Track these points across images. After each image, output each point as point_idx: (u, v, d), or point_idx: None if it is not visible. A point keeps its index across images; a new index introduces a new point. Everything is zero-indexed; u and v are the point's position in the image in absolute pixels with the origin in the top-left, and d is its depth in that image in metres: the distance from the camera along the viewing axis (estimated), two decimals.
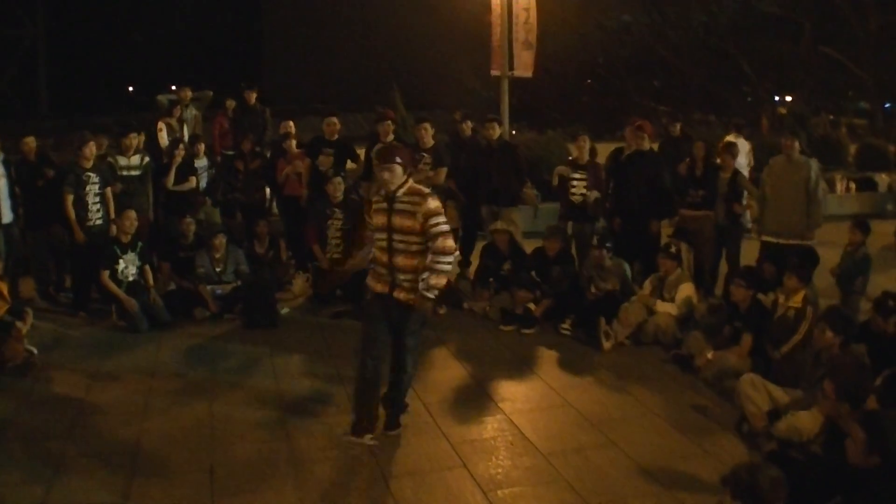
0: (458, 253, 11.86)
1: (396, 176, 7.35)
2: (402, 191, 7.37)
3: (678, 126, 15.84)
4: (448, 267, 7.32)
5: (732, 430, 7.94)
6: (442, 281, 7.33)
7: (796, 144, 11.40)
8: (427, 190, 7.50)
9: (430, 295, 7.30)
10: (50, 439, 8.00)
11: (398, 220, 7.34)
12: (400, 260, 7.39)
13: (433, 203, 7.33)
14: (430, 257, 7.24)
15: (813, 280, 9.84)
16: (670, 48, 35.66)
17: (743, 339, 9.18)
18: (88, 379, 9.56)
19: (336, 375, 9.24)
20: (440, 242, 7.22)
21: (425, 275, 7.22)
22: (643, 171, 11.91)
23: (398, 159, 7.38)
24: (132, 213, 11.61)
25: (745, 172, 14.49)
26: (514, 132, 17.42)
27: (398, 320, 7.56)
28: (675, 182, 12.27)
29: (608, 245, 11.29)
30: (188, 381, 9.46)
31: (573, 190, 12.42)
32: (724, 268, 12.15)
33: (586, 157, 12.60)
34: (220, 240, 11.95)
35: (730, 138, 15.80)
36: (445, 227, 7.31)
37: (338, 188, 12.26)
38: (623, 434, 7.91)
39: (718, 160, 12.33)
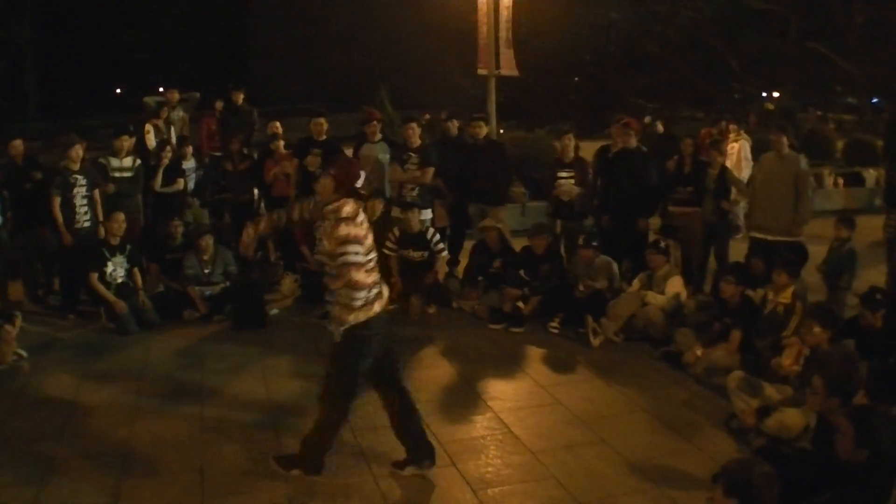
0: (446, 252, 11.93)
1: (324, 189, 6.87)
2: (328, 207, 6.80)
3: (660, 124, 15.87)
4: (358, 303, 6.64)
5: (722, 426, 7.96)
6: (345, 316, 6.67)
7: (784, 140, 11.39)
8: (345, 215, 6.71)
9: (332, 328, 6.80)
10: (40, 441, 8.00)
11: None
12: (325, 279, 6.92)
13: (343, 230, 6.63)
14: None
15: (802, 276, 9.87)
16: (658, 44, 35.69)
17: (732, 336, 9.21)
18: (78, 381, 9.56)
19: (321, 375, 9.23)
20: (347, 274, 6.60)
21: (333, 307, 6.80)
22: (631, 168, 11.93)
23: (332, 171, 6.89)
24: (121, 216, 11.61)
25: (748, 171, 14.46)
26: (501, 131, 17.42)
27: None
28: (660, 179, 12.26)
29: (595, 243, 11.32)
30: (178, 383, 9.46)
31: (560, 188, 12.39)
32: (712, 264, 12.17)
33: (571, 154, 12.60)
34: (208, 240, 11.93)
35: (733, 135, 15.84)
36: (354, 259, 6.61)
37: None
38: (613, 431, 7.92)
39: (706, 156, 12.34)
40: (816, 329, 7.84)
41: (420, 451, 7.14)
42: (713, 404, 8.45)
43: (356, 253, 6.61)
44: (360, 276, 6.63)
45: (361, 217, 6.82)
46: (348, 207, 6.73)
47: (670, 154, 12.68)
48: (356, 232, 6.66)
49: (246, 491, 6.98)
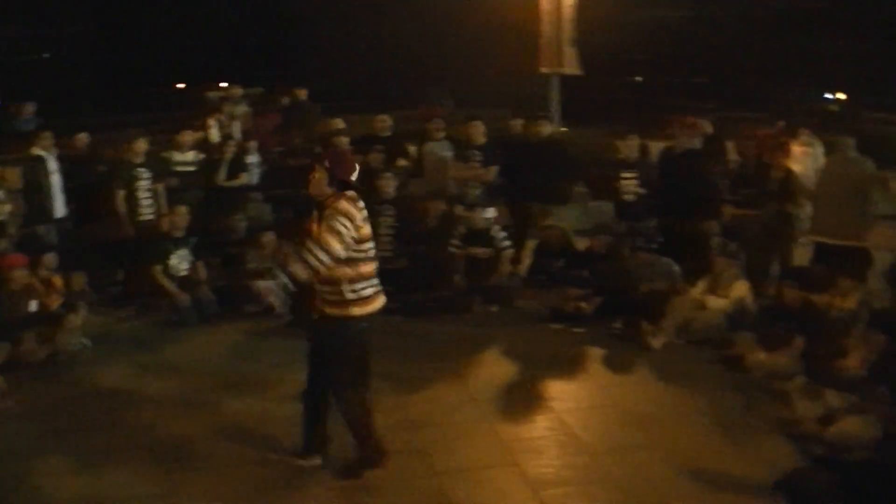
0: (511, 250, 11.90)
1: (318, 182, 6.77)
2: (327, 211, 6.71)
3: (710, 124, 15.72)
4: (313, 262, 6.54)
5: (782, 432, 7.82)
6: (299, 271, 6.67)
7: (850, 143, 11.23)
8: (342, 210, 6.68)
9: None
10: (97, 431, 8.15)
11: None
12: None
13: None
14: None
15: (867, 281, 9.75)
16: (714, 44, 35.41)
17: (794, 341, 9.08)
18: (138, 372, 9.71)
19: (383, 373, 9.15)
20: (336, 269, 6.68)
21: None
22: (694, 169, 11.84)
23: (325, 163, 6.79)
24: (184, 209, 11.74)
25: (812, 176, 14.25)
26: (562, 129, 17.34)
27: None
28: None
29: (656, 245, 11.24)
30: (237, 376, 9.55)
31: (624, 189, 12.34)
32: (775, 268, 12.04)
33: (635, 155, 12.53)
34: (268, 237, 11.99)
35: (803, 138, 15.60)
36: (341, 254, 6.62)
37: (388, 184, 12.20)
38: (672, 434, 7.88)
39: (769, 159, 12.21)
40: (881, 337, 7.75)
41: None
42: (774, 410, 8.30)
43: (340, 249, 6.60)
44: (330, 244, 6.57)
45: (355, 212, 6.75)
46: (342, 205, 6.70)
47: (716, 155, 12.54)
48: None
49: (302, 486, 7.04)
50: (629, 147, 12.53)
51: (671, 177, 12.10)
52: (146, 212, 12.03)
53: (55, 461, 7.53)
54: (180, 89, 52.83)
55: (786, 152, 12.53)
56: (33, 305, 10.28)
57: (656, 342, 10.08)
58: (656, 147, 13.51)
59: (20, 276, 10.14)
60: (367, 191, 11.38)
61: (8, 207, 12.17)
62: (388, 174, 12.32)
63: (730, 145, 12.26)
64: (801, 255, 11.73)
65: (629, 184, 12.27)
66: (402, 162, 13.63)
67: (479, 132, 12.56)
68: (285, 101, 16.11)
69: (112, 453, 7.66)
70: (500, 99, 25.18)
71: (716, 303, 10.35)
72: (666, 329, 10.19)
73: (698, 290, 10.67)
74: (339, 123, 14.45)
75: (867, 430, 7.09)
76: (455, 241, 11.88)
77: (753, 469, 7.16)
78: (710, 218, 11.92)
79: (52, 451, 7.73)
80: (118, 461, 7.51)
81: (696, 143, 12.07)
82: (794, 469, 5.65)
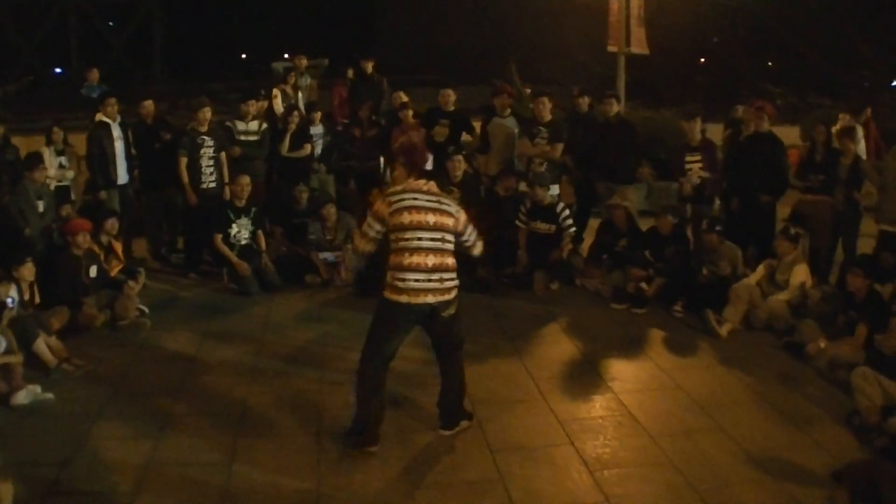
0: (573, 229, 11.85)
1: (398, 178, 7.31)
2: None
3: (739, 109, 15.49)
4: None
5: (843, 422, 7.76)
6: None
7: None
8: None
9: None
10: (159, 397, 8.22)
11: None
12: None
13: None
14: None
15: None
16: (787, 28, 34.93)
17: (858, 330, 8.97)
18: (198, 339, 9.79)
19: None
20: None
21: None
22: (763, 153, 11.71)
23: (400, 160, 7.38)
24: (246, 179, 11.79)
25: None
26: (627, 109, 17.20)
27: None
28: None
29: (719, 228, 11.13)
30: (297, 346, 9.62)
31: (688, 172, 12.22)
32: (839, 255, 11.88)
33: (698, 137, 12.39)
34: (330, 210, 12.06)
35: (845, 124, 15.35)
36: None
37: (458, 167, 12.04)
38: (731, 420, 7.81)
39: (839, 145, 12.02)
40: None
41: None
42: (835, 399, 8.23)
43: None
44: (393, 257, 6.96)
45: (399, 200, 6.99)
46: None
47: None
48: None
49: (360, 458, 7.03)
50: (692, 130, 12.36)
51: (739, 160, 11.99)
52: (209, 180, 12.08)
53: (117, 425, 7.62)
54: (246, 59, 53.15)
55: (854, 139, 12.33)
56: (94, 271, 10.39)
57: (723, 330, 9.98)
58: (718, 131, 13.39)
59: (83, 240, 10.23)
60: (437, 172, 11.40)
61: (71, 174, 12.34)
62: (458, 156, 12.19)
63: (818, 131, 12.02)
64: (867, 244, 11.55)
65: (694, 166, 12.14)
66: (466, 137, 13.60)
67: (546, 109, 12.47)
68: (350, 73, 16.09)
69: (173, 419, 7.73)
70: (568, 76, 25.06)
71: (777, 296, 10.24)
72: (731, 317, 10.09)
73: (758, 274, 10.57)
74: (404, 97, 14.43)
75: None
76: (521, 217, 11.87)
77: (813, 458, 7.11)
78: (776, 202, 11.81)
79: (115, 415, 7.82)
80: (179, 427, 7.59)
81: (765, 127, 11.91)
82: (855, 461, 5.54)
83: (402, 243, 6.88)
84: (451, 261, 6.96)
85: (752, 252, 11.58)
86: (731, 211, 12.02)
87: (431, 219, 6.90)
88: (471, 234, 7.20)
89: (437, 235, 6.90)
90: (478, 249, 7.32)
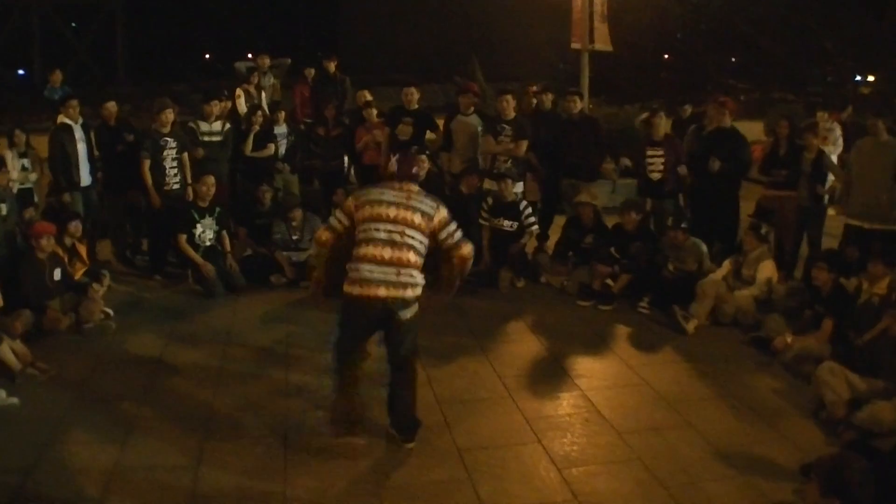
0: (536, 227, 11.86)
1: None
2: None
3: (688, 108, 15.56)
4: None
5: (810, 416, 7.78)
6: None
7: (881, 125, 11.11)
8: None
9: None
10: (124, 400, 8.13)
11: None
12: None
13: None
14: None
15: None
16: (751, 23, 35.06)
17: (824, 324, 9.00)
18: (163, 342, 9.70)
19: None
20: None
21: None
22: (726, 147, 11.74)
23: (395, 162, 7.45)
24: (210, 179, 11.73)
25: (834, 158, 14.08)
26: (590, 106, 17.22)
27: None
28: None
29: (684, 225, 11.15)
30: (263, 347, 9.56)
31: (650, 167, 12.25)
32: (804, 250, 11.93)
33: (662, 133, 12.41)
34: (296, 213, 12.05)
35: (824, 122, 15.45)
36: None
37: (421, 167, 11.97)
38: (699, 415, 7.81)
39: (802, 140, 12.07)
40: None
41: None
42: (802, 393, 8.23)
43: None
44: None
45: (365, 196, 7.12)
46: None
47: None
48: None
49: (328, 459, 6.99)
50: (655, 126, 12.38)
51: (701, 155, 12.02)
52: (172, 181, 12.00)
53: (83, 430, 7.53)
54: (208, 59, 52.91)
55: (817, 134, 12.41)
56: (58, 274, 10.27)
57: (689, 326, 9.98)
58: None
59: (47, 244, 10.12)
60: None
61: (34, 176, 12.20)
62: (422, 156, 12.11)
63: (781, 126, 12.07)
64: (831, 238, 11.62)
65: (656, 162, 12.16)
66: (430, 135, 13.57)
67: (510, 106, 12.45)
68: (312, 73, 16.03)
69: (139, 422, 7.66)
70: (532, 74, 25.10)
71: (741, 294, 10.27)
72: (697, 313, 10.10)
73: (724, 269, 10.61)
74: (368, 95, 14.41)
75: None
76: (483, 214, 11.84)
77: (781, 452, 7.13)
78: (739, 198, 11.86)
79: (80, 419, 7.74)
80: (146, 430, 7.52)
81: (727, 122, 11.96)
82: (824, 455, 5.55)
83: (360, 235, 6.91)
84: (412, 257, 6.86)
85: (717, 248, 11.62)
86: (696, 206, 12.05)
87: (392, 212, 6.87)
88: (454, 234, 7.10)
89: (396, 229, 6.84)
90: (465, 250, 7.16)
